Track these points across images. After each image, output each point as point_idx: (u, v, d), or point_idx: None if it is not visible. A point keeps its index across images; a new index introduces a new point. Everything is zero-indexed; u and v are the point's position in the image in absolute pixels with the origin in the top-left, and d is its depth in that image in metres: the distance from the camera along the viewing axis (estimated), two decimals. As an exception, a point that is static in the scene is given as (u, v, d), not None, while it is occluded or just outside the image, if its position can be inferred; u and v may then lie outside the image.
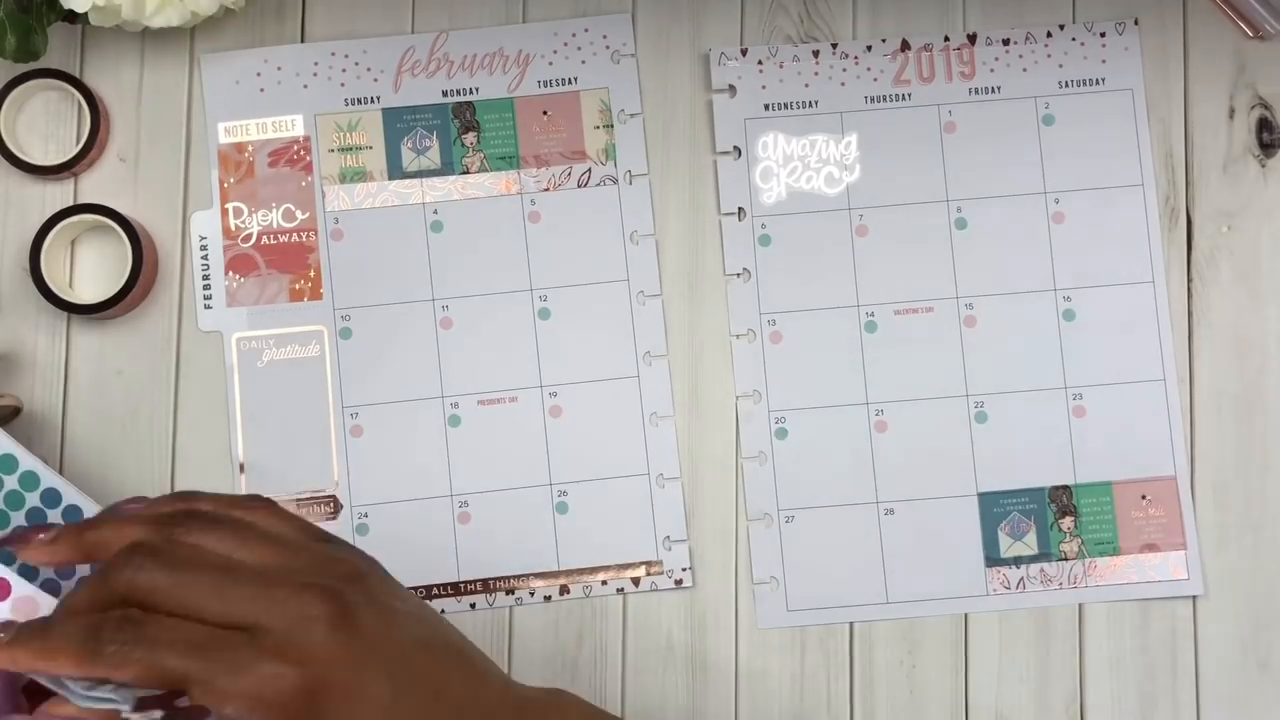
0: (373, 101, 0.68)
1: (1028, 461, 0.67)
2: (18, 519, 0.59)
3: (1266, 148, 0.69)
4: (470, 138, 0.68)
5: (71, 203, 0.67)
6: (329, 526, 0.65)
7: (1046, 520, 0.67)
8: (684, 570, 0.66)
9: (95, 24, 0.63)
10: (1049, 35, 0.69)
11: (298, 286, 0.67)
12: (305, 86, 0.68)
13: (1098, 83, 0.69)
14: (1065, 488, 0.67)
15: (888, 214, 0.68)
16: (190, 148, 0.68)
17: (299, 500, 0.66)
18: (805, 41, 0.69)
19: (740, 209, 0.68)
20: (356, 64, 0.68)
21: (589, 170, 0.68)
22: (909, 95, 0.69)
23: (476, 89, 0.68)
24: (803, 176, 0.68)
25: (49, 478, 0.59)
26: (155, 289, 0.67)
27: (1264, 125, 0.70)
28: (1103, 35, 0.69)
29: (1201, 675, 0.67)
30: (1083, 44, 0.69)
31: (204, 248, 0.67)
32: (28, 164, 0.66)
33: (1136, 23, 0.69)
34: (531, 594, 0.66)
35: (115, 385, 0.67)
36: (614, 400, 0.67)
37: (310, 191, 0.68)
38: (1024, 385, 0.67)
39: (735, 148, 0.68)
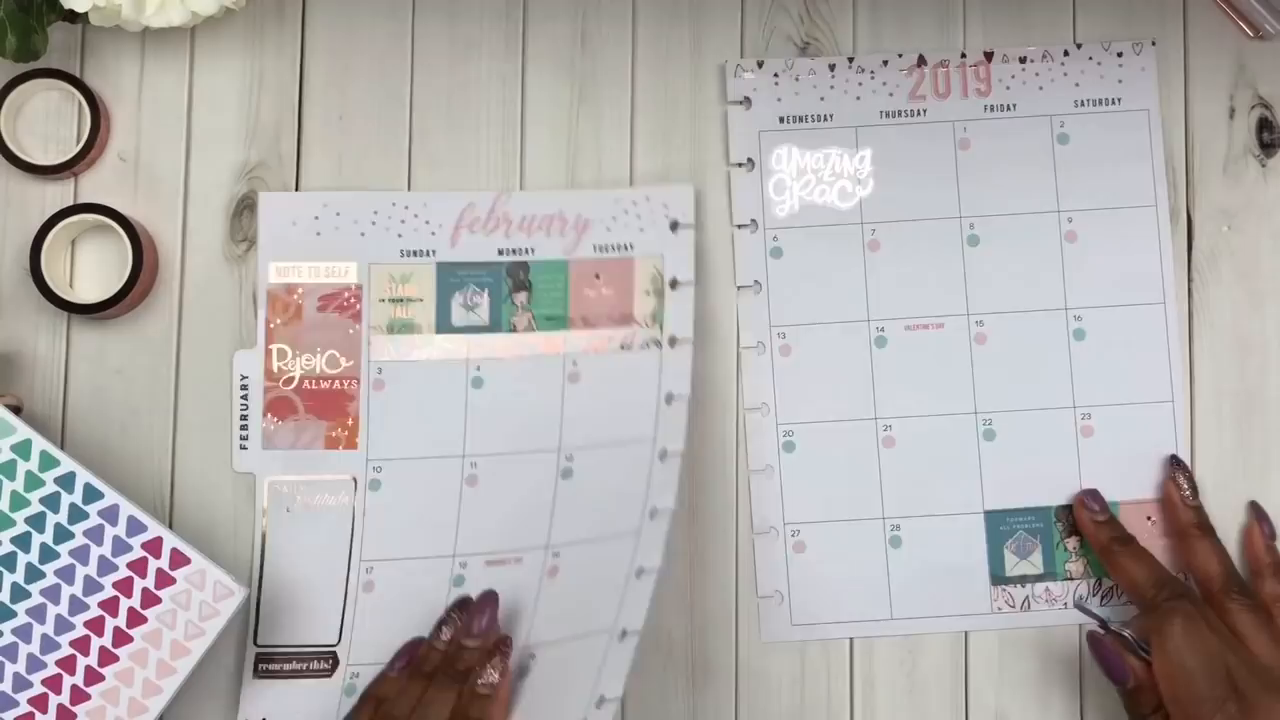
0: (428, 255, 0.67)
1: (1035, 480, 0.67)
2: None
3: (1266, 148, 0.69)
4: (521, 297, 0.67)
5: (71, 202, 0.67)
6: (321, 685, 0.64)
7: (1052, 539, 0.67)
8: None
9: (95, 24, 0.63)
10: (1065, 54, 0.69)
11: (334, 434, 0.66)
12: (362, 234, 0.67)
13: (1114, 102, 0.69)
14: (1072, 507, 0.67)
15: (900, 229, 0.68)
16: (190, 149, 0.68)
17: (298, 651, 0.65)
18: (807, 42, 0.69)
19: (753, 220, 0.68)
20: (416, 215, 0.67)
21: (634, 333, 0.67)
22: (924, 111, 0.68)
23: (532, 249, 0.67)
24: (816, 190, 0.68)
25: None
26: (156, 289, 0.67)
27: (1264, 125, 0.69)
28: (1119, 55, 0.69)
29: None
30: (1099, 63, 0.69)
31: (244, 387, 0.66)
32: (28, 164, 0.66)
33: (1154, 44, 0.69)
34: None
35: (115, 385, 0.67)
36: (609, 559, 0.64)
37: (357, 340, 0.67)
38: (1033, 403, 0.67)
39: (749, 159, 0.68)
